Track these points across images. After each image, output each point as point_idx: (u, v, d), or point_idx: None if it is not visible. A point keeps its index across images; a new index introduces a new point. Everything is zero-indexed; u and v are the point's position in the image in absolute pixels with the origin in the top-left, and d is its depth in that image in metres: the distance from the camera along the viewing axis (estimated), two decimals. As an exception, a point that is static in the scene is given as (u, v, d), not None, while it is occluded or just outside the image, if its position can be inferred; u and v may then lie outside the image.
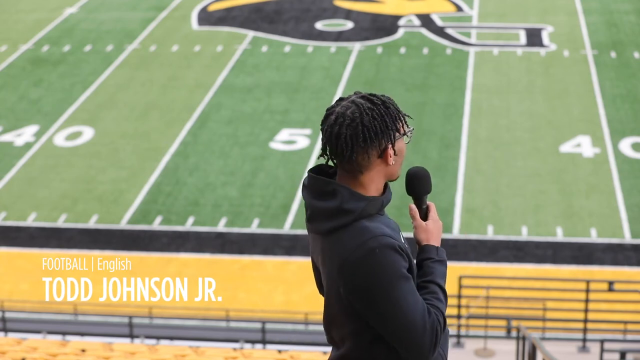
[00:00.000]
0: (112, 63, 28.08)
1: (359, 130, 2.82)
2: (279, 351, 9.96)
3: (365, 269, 2.78)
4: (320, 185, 2.89)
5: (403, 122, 2.91)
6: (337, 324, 2.95)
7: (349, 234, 2.82)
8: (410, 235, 3.14)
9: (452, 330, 12.97)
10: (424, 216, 3.03)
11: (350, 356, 2.95)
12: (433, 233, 2.98)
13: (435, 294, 2.88)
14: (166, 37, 30.00)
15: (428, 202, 3.02)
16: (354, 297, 2.82)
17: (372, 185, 2.90)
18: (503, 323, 13.34)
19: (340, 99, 2.91)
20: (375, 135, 2.83)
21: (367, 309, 2.82)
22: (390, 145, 2.86)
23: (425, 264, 2.93)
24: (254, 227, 19.09)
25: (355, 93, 2.93)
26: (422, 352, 2.81)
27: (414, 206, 3.01)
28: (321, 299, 3.06)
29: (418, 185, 3.00)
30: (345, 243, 2.81)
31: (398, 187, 3.22)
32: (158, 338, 13.74)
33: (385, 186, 2.97)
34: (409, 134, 2.92)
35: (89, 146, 23.08)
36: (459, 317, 12.96)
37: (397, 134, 2.88)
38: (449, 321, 13.23)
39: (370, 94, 2.91)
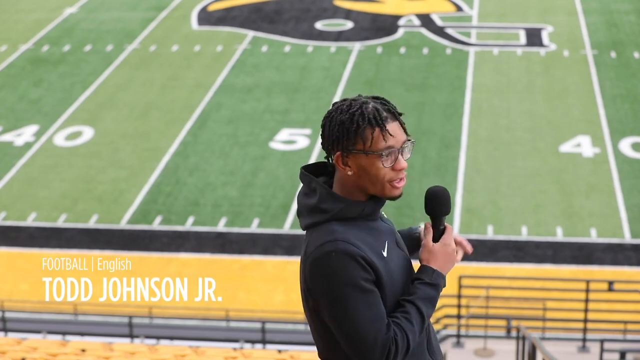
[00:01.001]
0: (112, 63, 28.09)
1: (324, 126, 2.88)
2: (279, 351, 9.96)
3: (320, 270, 2.76)
4: (306, 182, 2.92)
5: (366, 140, 2.79)
6: (309, 321, 2.98)
7: (318, 233, 2.82)
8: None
9: (452, 330, 12.97)
10: (438, 237, 2.94)
11: (321, 357, 2.96)
12: (437, 256, 2.88)
13: (407, 313, 2.80)
14: (166, 37, 30.01)
15: (446, 225, 2.93)
16: (311, 297, 2.83)
17: (339, 186, 2.89)
18: (503, 323, 13.33)
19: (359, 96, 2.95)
20: (329, 137, 2.85)
21: (322, 311, 2.82)
22: (339, 154, 2.82)
23: (414, 284, 2.86)
24: (254, 227, 19.09)
25: (372, 96, 2.92)
26: (373, 357, 2.76)
27: (429, 225, 2.94)
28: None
29: (434, 204, 2.90)
30: (312, 241, 2.82)
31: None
32: (158, 338, 13.75)
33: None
34: (374, 154, 2.79)
35: (89, 146, 23.08)
36: (459, 317, 12.96)
37: (352, 148, 2.80)
38: (448, 321, 13.21)
39: (374, 98, 2.89)
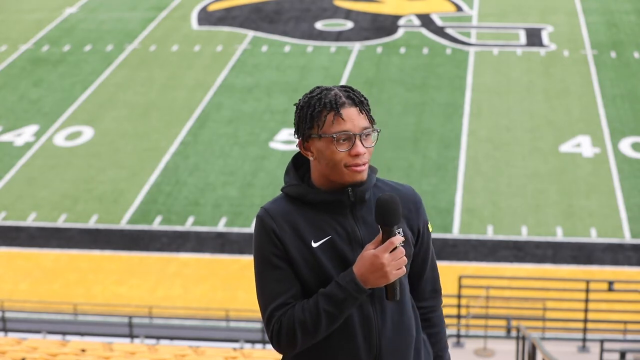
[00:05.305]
0: (112, 63, 28.09)
1: (295, 113, 2.95)
2: (279, 351, 9.94)
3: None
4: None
5: (321, 124, 2.82)
6: None
7: None
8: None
9: (452, 330, 12.97)
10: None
11: None
12: (363, 263, 2.80)
13: (306, 303, 2.84)
14: (166, 37, 30.01)
15: (394, 237, 2.78)
16: None
17: (312, 173, 2.96)
18: (503, 323, 13.34)
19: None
20: (294, 124, 2.93)
21: None
22: (300, 139, 2.90)
23: (330, 283, 2.86)
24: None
25: (339, 85, 2.96)
26: (266, 331, 2.92)
27: (382, 231, 2.84)
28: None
29: (376, 214, 2.82)
30: None
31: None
32: (158, 338, 13.75)
33: (344, 185, 2.89)
34: (328, 137, 2.81)
35: (89, 146, 23.08)
36: (459, 317, 12.96)
37: (309, 132, 2.85)
38: (448, 321, 13.16)
39: (341, 86, 2.91)
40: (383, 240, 2.80)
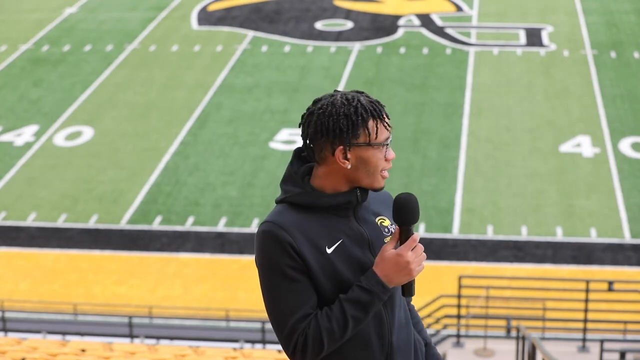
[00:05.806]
0: (112, 63, 28.09)
1: (316, 120, 2.84)
2: (279, 351, 9.96)
3: (255, 246, 2.90)
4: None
5: (371, 132, 2.82)
6: None
7: (271, 210, 2.94)
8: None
9: (452, 330, 12.98)
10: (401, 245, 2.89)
11: None
12: (386, 263, 2.83)
13: (330, 311, 2.83)
14: (166, 37, 30.01)
15: (414, 234, 2.83)
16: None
17: (325, 179, 2.89)
18: (503, 323, 13.34)
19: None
20: (327, 131, 2.82)
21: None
22: (341, 148, 2.82)
23: (353, 287, 2.86)
24: (254, 227, 19.09)
25: (356, 90, 2.94)
26: (283, 347, 2.87)
27: (397, 231, 2.87)
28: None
29: (397, 214, 2.86)
30: None
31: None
32: (158, 338, 13.75)
33: (354, 189, 2.90)
34: (378, 146, 2.82)
35: (89, 146, 23.08)
36: (459, 317, 12.96)
37: (355, 141, 2.82)
38: (448, 321, 13.14)
39: (359, 92, 2.89)
40: (401, 239, 2.85)
